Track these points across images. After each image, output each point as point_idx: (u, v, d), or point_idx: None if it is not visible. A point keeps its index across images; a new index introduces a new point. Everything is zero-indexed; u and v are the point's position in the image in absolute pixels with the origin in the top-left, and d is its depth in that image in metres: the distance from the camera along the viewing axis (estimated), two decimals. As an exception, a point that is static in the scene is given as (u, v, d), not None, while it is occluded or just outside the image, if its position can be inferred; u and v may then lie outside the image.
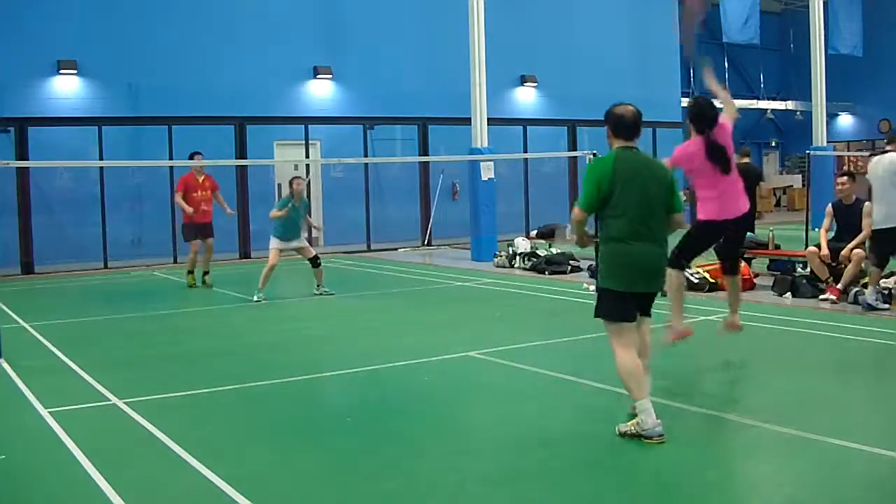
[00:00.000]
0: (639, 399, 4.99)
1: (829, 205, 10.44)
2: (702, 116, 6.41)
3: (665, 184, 5.27)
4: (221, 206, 13.04)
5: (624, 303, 5.16)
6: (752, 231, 14.21)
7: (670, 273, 6.24)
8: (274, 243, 11.47)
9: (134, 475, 4.72)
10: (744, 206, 6.59)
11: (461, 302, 11.41)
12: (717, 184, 6.42)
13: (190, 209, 12.59)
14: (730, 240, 6.95)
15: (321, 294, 11.68)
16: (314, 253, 11.83)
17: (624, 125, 5.30)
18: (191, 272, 13.03)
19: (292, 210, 11.42)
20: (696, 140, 6.41)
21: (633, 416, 5.06)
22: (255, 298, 11.22)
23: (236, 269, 15.77)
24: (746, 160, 14.43)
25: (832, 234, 10.39)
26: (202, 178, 12.85)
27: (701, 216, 6.53)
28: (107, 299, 12.59)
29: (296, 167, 18.32)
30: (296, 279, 13.47)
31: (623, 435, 5.04)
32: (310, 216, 11.94)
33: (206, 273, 13.07)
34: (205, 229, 12.91)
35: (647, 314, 5.44)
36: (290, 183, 11.67)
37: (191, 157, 12.84)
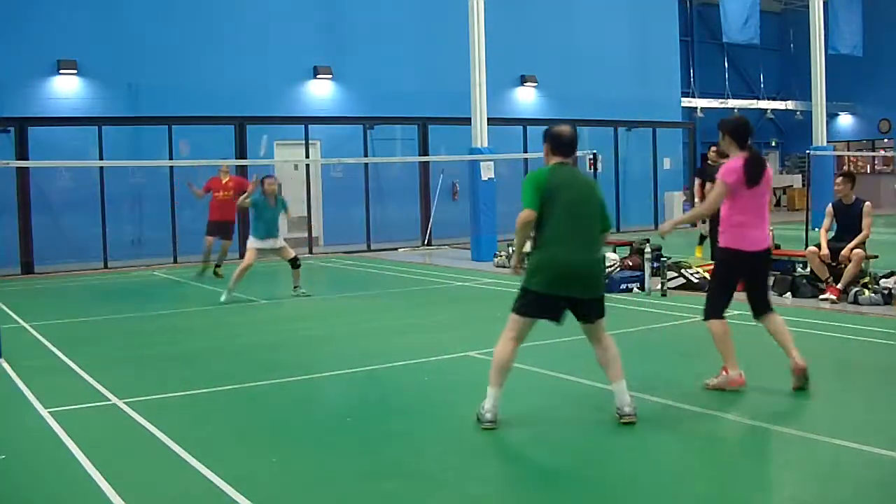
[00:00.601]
0: (493, 387, 5.40)
1: (830, 205, 10.45)
2: (741, 132, 6.18)
3: (596, 198, 5.57)
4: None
5: (544, 304, 5.41)
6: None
7: (709, 325, 6.20)
8: (252, 243, 11.45)
9: (134, 475, 4.72)
10: (765, 238, 6.22)
11: (461, 302, 11.41)
12: (744, 208, 6.10)
13: (198, 190, 13.84)
14: (754, 274, 6.34)
15: (298, 295, 11.62)
16: (293, 254, 11.76)
17: (562, 143, 5.63)
18: (205, 261, 13.86)
19: (267, 210, 11.35)
20: (741, 155, 6.16)
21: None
22: (223, 299, 11.15)
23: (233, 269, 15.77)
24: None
25: (832, 234, 10.39)
26: (226, 179, 13.74)
27: (721, 243, 6.25)
28: (107, 299, 12.58)
29: (296, 167, 18.35)
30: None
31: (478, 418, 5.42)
32: (287, 213, 11.89)
33: (218, 266, 13.96)
34: (224, 228, 13.81)
35: (599, 315, 5.52)
36: (262, 182, 11.46)
37: (218, 168, 14.01)
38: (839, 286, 9.89)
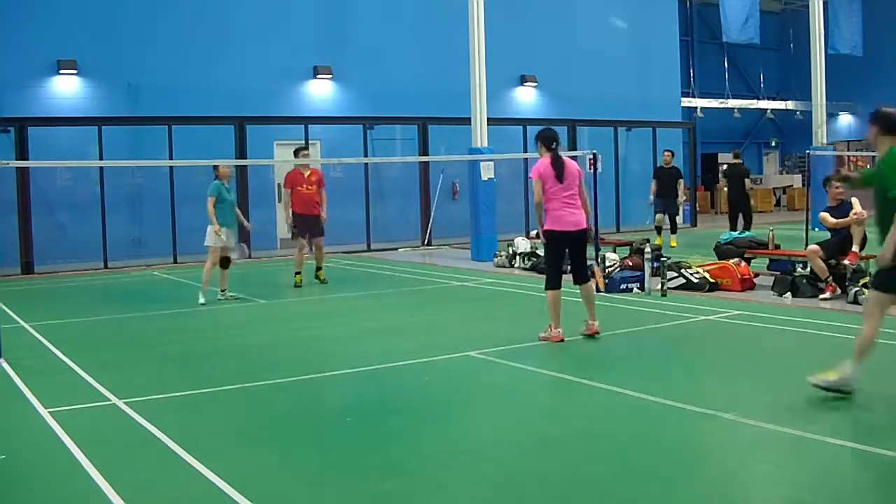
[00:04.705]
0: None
1: (822, 212, 10.53)
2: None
3: None
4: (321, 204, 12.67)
5: None
6: (751, 222, 15.09)
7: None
8: (213, 237, 11.04)
9: (134, 475, 4.72)
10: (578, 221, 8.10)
11: (461, 302, 11.41)
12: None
13: (287, 201, 12.58)
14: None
15: (226, 299, 11.28)
16: (228, 253, 11.33)
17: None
18: (298, 273, 12.63)
19: (226, 192, 11.14)
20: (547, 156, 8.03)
21: None
22: (202, 301, 10.94)
23: (236, 269, 15.75)
24: (737, 161, 15.77)
25: (828, 236, 10.46)
26: (308, 172, 12.63)
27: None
28: (107, 299, 12.59)
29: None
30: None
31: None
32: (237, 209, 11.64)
33: (319, 269, 12.92)
34: (313, 224, 12.55)
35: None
36: (216, 167, 11.26)
37: (296, 154, 12.87)
38: (855, 248, 9.96)
